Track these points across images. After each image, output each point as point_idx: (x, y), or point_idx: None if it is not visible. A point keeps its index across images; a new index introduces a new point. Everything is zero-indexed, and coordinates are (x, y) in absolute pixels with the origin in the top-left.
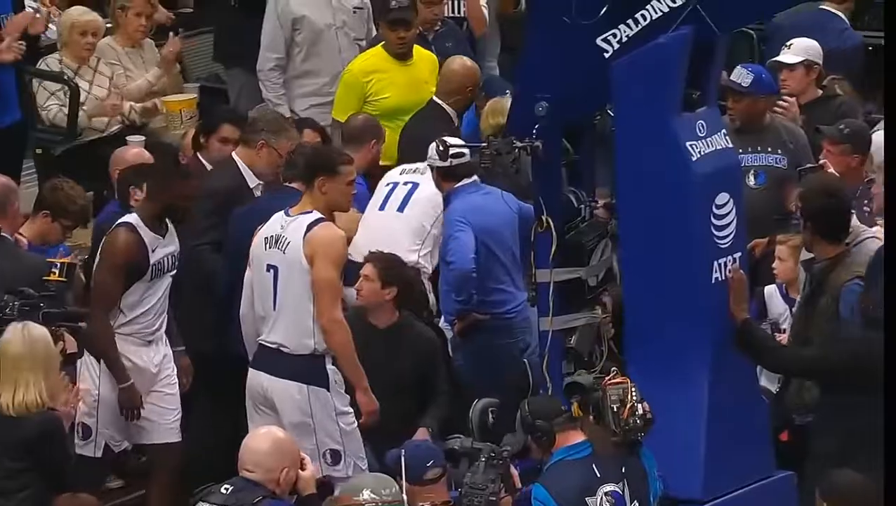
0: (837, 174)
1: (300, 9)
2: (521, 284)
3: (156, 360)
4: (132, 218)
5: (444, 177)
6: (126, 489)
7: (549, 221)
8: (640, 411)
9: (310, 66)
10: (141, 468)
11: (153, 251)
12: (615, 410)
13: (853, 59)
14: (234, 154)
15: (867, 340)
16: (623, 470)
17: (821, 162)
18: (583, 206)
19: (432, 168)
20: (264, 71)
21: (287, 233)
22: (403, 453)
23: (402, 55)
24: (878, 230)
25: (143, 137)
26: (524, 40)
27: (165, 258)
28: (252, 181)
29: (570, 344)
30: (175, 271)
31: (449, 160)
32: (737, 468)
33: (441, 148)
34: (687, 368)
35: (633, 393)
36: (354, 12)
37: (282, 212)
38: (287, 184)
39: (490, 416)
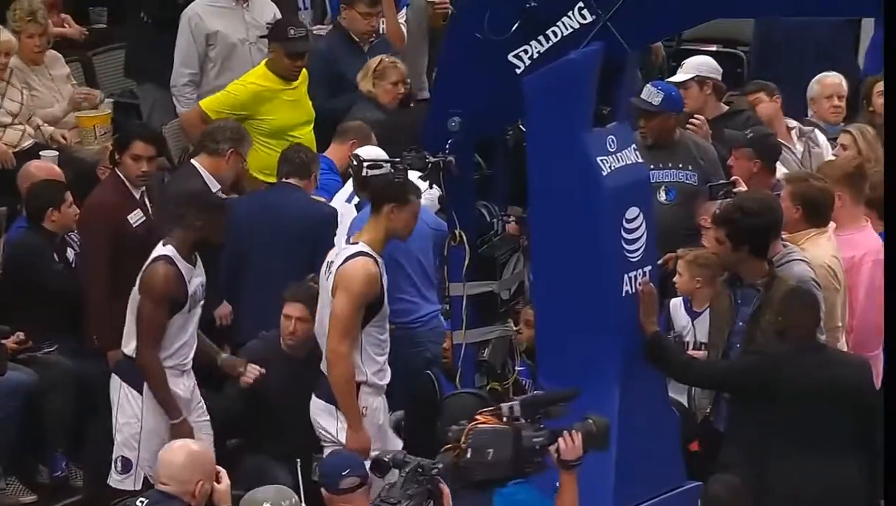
0: (746, 188)
1: (213, 24)
2: (429, 294)
3: (191, 386)
4: (169, 251)
5: (359, 186)
6: (38, 504)
7: (463, 234)
8: (469, 456)
9: (223, 82)
10: (55, 483)
11: (189, 281)
12: (448, 446)
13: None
14: (194, 162)
15: (774, 354)
16: (462, 501)
17: (732, 179)
18: (495, 220)
19: (352, 176)
20: (178, 86)
21: (335, 260)
22: (314, 463)
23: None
24: (797, 251)
25: (57, 153)
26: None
27: (198, 288)
28: (214, 187)
29: (484, 357)
30: (203, 301)
31: (365, 171)
32: (647, 479)
33: (355, 163)
34: (597, 379)
35: (469, 439)
36: (268, 27)
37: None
38: (285, 180)
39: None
